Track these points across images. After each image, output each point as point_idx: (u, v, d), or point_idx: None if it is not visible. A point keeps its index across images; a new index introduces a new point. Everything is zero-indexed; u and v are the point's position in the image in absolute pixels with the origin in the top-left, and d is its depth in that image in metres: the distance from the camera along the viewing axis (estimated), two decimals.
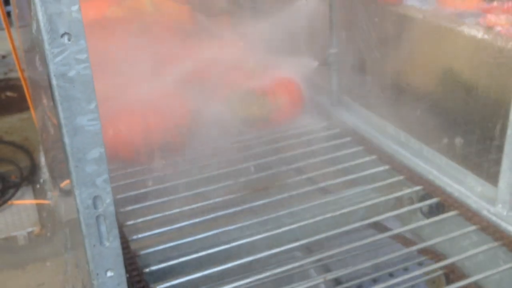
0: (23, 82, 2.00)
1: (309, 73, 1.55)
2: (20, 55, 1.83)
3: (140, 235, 1.12)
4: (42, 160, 1.92)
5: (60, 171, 1.37)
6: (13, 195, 3.04)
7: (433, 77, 1.47)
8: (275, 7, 1.66)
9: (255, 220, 1.18)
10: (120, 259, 0.80)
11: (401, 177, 1.28)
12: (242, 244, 1.11)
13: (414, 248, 1.12)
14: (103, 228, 0.76)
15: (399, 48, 1.59)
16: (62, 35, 0.64)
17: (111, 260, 0.79)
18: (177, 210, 1.18)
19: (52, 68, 0.65)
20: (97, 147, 0.71)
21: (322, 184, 1.34)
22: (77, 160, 0.71)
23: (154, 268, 1.06)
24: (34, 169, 3.22)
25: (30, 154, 3.33)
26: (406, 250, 1.12)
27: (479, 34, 1.34)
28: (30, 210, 2.93)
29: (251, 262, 1.07)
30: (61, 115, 0.68)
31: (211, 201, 1.21)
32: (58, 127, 0.71)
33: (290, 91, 1.50)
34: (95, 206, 0.75)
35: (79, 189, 0.72)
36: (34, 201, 2.99)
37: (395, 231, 1.16)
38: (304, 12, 1.48)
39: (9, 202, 2.99)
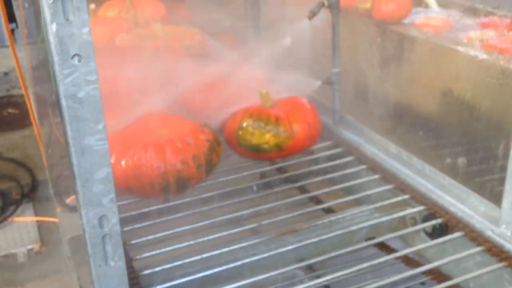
0: (26, 99, 2.01)
1: (312, 92, 1.56)
2: (26, 72, 1.84)
3: None
4: (47, 176, 1.92)
5: (66, 187, 1.37)
6: (13, 212, 3.04)
7: (435, 96, 1.48)
8: (278, 27, 1.68)
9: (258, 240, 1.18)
10: (124, 279, 0.80)
11: (404, 196, 1.28)
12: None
13: (415, 267, 1.12)
14: (108, 248, 0.77)
15: (400, 67, 1.60)
16: (73, 57, 0.65)
17: (116, 280, 0.79)
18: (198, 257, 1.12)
19: (61, 88, 0.66)
20: (104, 166, 0.72)
21: (321, 198, 1.35)
22: (85, 180, 0.71)
23: None
24: (35, 186, 3.22)
25: (31, 171, 3.33)
26: (409, 270, 1.12)
27: (480, 54, 1.36)
28: (30, 227, 2.92)
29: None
30: (70, 135, 0.69)
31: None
32: (66, 146, 0.71)
33: (306, 117, 1.40)
34: (101, 226, 0.75)
35: (86, 208, 0.73)
36: (34, 218, 2.98)
37: (401, 253, 1.15)
38: (307, 32, 1.50)
39: (10, 219, 2.99)
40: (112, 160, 1.18)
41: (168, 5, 2.07)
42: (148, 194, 1.22)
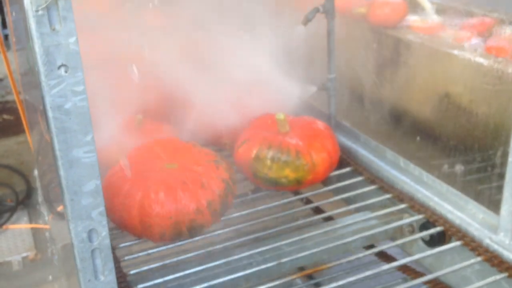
0: (18, 105, 2.00)
1: (307, 98, 1.54)
2: (16, 78, 1.82)
3: None
4: (38, 183, 1.91)
5: (56, 194, 1.35)
6: (8, 219, 3.01)
7: (431, 102, 1.47)
8: (272, 32, 1.66)
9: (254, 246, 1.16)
10: None
11: (401, 204, 1.27)
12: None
13: (398, 267, 1.10)
14: (98, 262, 0.75)
15: (396, 72, 1.59)
16: (59, 67, 0.63)
17: None
18: None
19: (48, 100, 0.64)
20: (93, 179, 0.70)
21: (320, 208, 1.33)
22: (73, 193, 0.69)
23: None
24: (30, 193, 3.19)
25: (26, 177, 3.31)
26: (408, 279, 1.11)
27: (477, 58, 1.34)
28: (25, 234, 2.90)
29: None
30: (57, 147, 0.67)
31: None
32: (54, 159, 0.69)
33: (326, 146, 1.29)
34: (90, 240, 0.73)
35: (74, 222, 0.71)
36: (29, 226, 2.96)
37: (401, 262, 1.14)
38: (302, 38, 1.48)
39: (4, 227, 2.96)
40: (120, 200, 1.09)
41: (164, 13, 2.05)
42: (157, 241, 1.12)
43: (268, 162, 1.24)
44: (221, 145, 1.44)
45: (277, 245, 1.14)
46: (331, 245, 1.16)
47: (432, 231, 1.18)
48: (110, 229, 1.12)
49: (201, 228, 1.11)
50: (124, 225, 1.11)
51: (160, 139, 1.24)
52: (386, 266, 1.13)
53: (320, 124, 1.36)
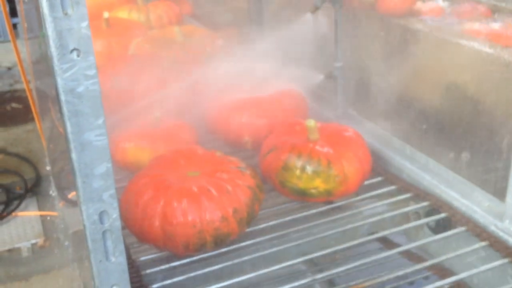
0: (28, 93, 2.01)
1: (314, 86, 1.55)
2: (27, 66, 1.84)
3: None
4: (49, 171, 1.93)
5: (68, 182, 1.37)
6: (17, 206, 3.05)
7: (439, 91, 1.47)
8: (280, 21, 1.67)
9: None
10: (125, 275, 0.80)
11: (407, 192, 1.28)
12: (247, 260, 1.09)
13: (421, 263, 1.11)
14: (109, 243, 0.76)
15: (404, 61, 1.59)
16: (72, 51, 0.64)
17: (116, 275, 0.79)
18: None
19: (60, 83, 0.65)
20: (104, 162, 0.71)
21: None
22: (84, 175, 0.71)
23: None
24: (38, 180, 3.22)
25: (34, 165, 3.34)
26: (413, 266, 1.11)
27: (485, 48, 1.34)
28: (34, 221, 2.93)
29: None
30: (69, 130, 0.68)
31: None
32: (66, 142, 0.71)
33: (357, 154, 1.21)
34: (101, 221, 0.74)
35: (86, 204, 0.72)
36: (38, 213, 2.99)
37: (403, 248, 1.15)
38: (309, 26, 1.49)
39: (14, 214, 3.00)
40: (140, 210, 1.04)
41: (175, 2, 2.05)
42: (180, 252, 1.06)
43: (298, 172, 1.17)
44: (241, 144, 1.40)
45: (309, 257, 1.10)
46: (336, 230, 1.17)
47: (437, 218, 1.19)
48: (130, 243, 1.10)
49: (226, 238, 1.06)
50: (145, 236, 1.06)
51: (181, 148, 1.21)
52: (389, 252, 1.13)
53: (351, 132, 1.29)
